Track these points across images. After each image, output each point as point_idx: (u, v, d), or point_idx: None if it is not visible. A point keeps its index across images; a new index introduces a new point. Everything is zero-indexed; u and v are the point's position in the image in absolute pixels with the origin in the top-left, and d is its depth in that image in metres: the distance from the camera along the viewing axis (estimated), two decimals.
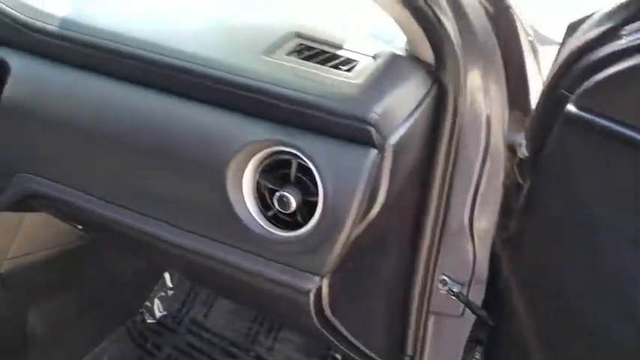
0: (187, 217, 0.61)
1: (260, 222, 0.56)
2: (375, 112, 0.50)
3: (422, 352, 0.84)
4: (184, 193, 0.60)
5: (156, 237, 0.66)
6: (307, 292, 0.55)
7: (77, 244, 1.12)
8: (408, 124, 0.54)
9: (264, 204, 0.57)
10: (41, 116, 0.71)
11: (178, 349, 1.30)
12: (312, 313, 0.58)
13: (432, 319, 0.82)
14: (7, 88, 0.72)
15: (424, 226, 0.70)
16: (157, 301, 1.37)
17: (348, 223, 0.50)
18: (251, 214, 0.56)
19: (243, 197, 0.56)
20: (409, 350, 0.83)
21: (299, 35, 0.63)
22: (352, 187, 0.50)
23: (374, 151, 0.50)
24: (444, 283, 0.77)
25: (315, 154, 0.51)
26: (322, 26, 0.67)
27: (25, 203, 0.85)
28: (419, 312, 0.79)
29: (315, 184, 0.53)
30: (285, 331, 1.24)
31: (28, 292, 1.11)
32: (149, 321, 1.35)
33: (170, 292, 1.38)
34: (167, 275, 1.38)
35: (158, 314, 1.36)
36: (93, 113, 0.64)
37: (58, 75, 0.68)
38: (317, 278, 0.54)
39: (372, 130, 0.50)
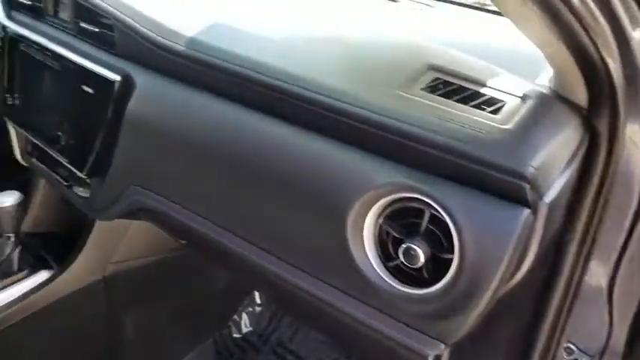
0: (299, 254, 0.57)
1: (380, 272, 0.51)
2: (532, 165, 0.44)
3: None
4: (299, 229, 0.56)
5: (261, 268, 0.63)
6: (425, 358, 0.49)
7: (176, 254, 1.13)
8: (562, 180, 0.47)
9: (385, 253, 0.52)
10: (160, 133, 0.71)
11: None
12: None
13: None
14: (132, 103, 0.73)
15: (554, 288, 0.61)
16: (244, 316, 1.37)
17: (488, 292, 0.44)
18: (370, 262, 0.51)
19: (363, 243, 0.51)
20: None
21: (434, 68, 0.57)
22: (498, 251, 0.43)
23: (527, 211, 0.43)
24: (570, 352, 0.68)
25: (454, 207, 0.45)
26: (452, 54, 0.62)
27: (134, 214, 0.87)
28: None
29: (449, 239, 0.47)
30: None
31: (127, 296, 1.14)
32: (235, 335, 1.34)
33: (258, 309, 1.37)
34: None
35: (245, 329, 1.35)
36: (213, 136, 0.62)
37: (181, 94, 0.67)
38: (442, 346, 0.48)
39: (527, 186, 0.43)
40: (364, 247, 0.51)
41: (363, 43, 0.65)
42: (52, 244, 1.11)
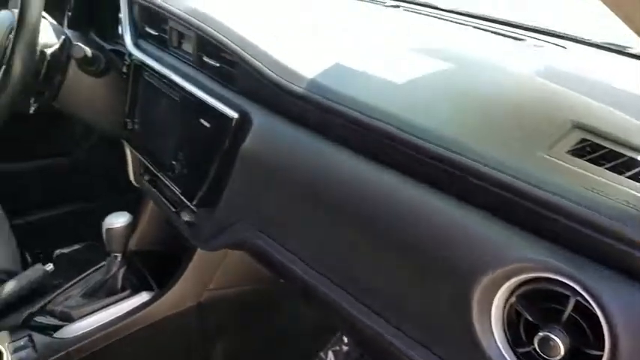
0: (414, 323, 0.53)
1: (507, 358, 0.45)
2: None
3: None
4: (417, 297, 0.52)
5: (368, 328, 0.59)
6: None
7: (270, 287, 1.13)
8: None
9: (514, 336, 0.46)
10: (273, 173, 0.70)
11: None
12: None
13: None
14: (247, 141, 0.73)
15: None
16: (330, 354, 1.33)
17: None
18: (498, 346, 0.46)
19: (490, 323, 0.46)
20: None
21: (579, 126, 0.51)
22: None
23: None
24: None
25: (607, 297, 0.39)
26: (598, 108, 0.55)
27: (237, 246, 0.87)
28: None
29: (597, 333, 0.40)
30: None
31: (219, 324, 1.15)
32: None
33: (345, 348, 1.33)
34: None
35: None
36: (331, 185, 0.60)
37: (297, 136, 0.66)
38: None
39: None
40: (491, 328, 0.46)
41: (496, 92, 0.60)
42: (154, 264, 1.15)
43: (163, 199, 1.02)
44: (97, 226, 1.09)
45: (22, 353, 1.00)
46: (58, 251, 1.28)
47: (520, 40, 0.83)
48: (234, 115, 0.74)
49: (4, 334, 1.03)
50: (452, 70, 0.67)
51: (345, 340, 1.33)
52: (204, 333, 1.13)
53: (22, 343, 1.02)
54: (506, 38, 0.84)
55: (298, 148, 0.66)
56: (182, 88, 0.87)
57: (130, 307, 1.06)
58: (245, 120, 0.73)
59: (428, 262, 0.51)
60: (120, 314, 1.05)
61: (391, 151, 0.54)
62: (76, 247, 1.30)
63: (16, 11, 0.95)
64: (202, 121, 0.80)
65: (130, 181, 1.20)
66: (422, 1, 1.08)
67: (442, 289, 0.49)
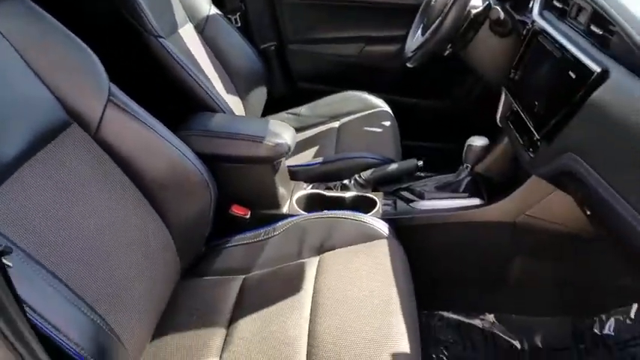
0: None
1: None
2: None
3: None
4: None
5: None
6: None
7: (577, 233, 1.32)
8: None
9: None
10: (615, 121, 0.90)
11: None
12: None
13: None
14: (600, 90, 0.96)
15: None
16: (612, 320, 1.44)
17: None
18: None
19: None
20: None
21: None
22: None
23: None
24: None
25: None
26: None
27: (559, 178, 1.11)
28: None
29: None
30: None
31: (525, 247, 1.40)
32: (595, 330, 1.44)
33: (628, 321, 1.42)
34: (634, 306, 1.41)
35: (606, 331, 1.43)
36: None
37: None
38: None
39: None
40: None
41: None
42: (491, 183, 1.49)
43: (516, 134, 1.33)
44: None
45: (387, 208, 1.49)
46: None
47: None
48: (596, 69, 0.97)
49: (380, 194, 1.55)
50: None
51: (632, 316, 1.41)
52: (510, 247, 1.41)
53: (389, 202, 1.51)
54: None
55: None
56: (564, 48, 1.13)
57: (465, 205, 1.43)
58: (604, 74, 0.96)
59: None
60: (455, 206, 1.43)
61: None
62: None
63: None
64: (570, 72, 1.06)
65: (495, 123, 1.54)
66: None
67: None
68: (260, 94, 2.03)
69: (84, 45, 1.07)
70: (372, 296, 1.06)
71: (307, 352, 0.97)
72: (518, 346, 1.45)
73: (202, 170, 1.20)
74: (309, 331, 1.01)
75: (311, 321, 1.04)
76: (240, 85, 1.88)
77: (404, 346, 0.96)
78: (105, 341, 0.78)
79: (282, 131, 1.31)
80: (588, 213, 1.10)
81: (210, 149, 1.28)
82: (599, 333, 1.44)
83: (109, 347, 0.79)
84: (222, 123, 1.35)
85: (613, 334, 1.43)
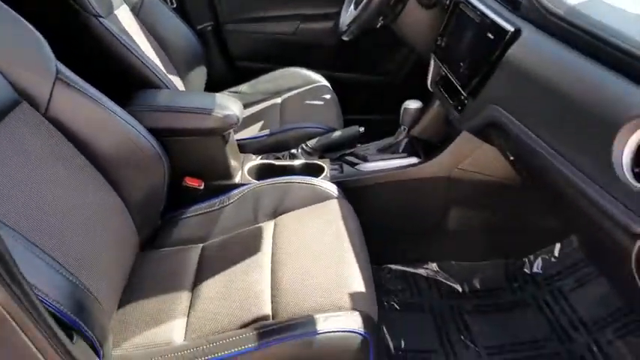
0: (576, 153, 0.84)
1: (626, 172, 0.74)
2: None
3: None
4: (579, 128, 0.83)
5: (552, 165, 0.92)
6: (636, 237, 0.71)
7: (503, 182, 1.47)
8: None
9: (635, 163, 0.74)
10: (528, 74, 1.03)
11: (536, 300, 1.52)
12: (633, 259, 0.73)
13: None
14: (513, 48, 1.09)
15: None
16: (539, 260, 1.61)
17: None
18: (623, 167, 0.75)
19: (622, 153, 0.75)
20: None
21: None
22: None
23: None
24: None
25: None
26: None
27: (486, 131, 1.24)
28: None
29: None
30: (634, 336, 1.28)
31: (459, 196, 1.54)
32: (525, 270, 1.61)
33: (553, 260, 1.59)
34: (557, 245, 1.59)
35: (534, 270, 1.60)
36: (570, 84, 0.90)
37: (554, 49, 0.99)
38: None
39: None
40: (622, 156, 0.75)
41: None
42: (426, 142, 1.61)
43: (446, 95, 1.45)
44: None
45: (334, 172, 1.58)
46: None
47: None
48: (510, 28, 1.10)
49: (327, 160, 1.63)
50: None
51: (556, 254, 1.59)
52: (446, 200, 1.55)
53: (335, 167, 1.61)
54: None
55: (553, 58, 0.98)
56: (483, 13, 1.26)
57: (404, 164, 1.55)
58: (517, 33, 1.09)
59: (592, 114, 0.81)
60: (396, 166, 1.55)
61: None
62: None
63: None
64: (489, 34, 1.19)
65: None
66: None
67: (597, 134, 0.79)
68: (200, 75, 2.06)
69: (29, 25, 1.08)
70: (327, 250, 1.15)
71: (271, 301, 1.04)
72: (460, 289, 1.60)
73: (154, 144, 1.24)
74: (272, 283, 1.09)
75: (272, 276, 1.11)
76: (179, 66, 1.90)
77: (360, 290, 1.05)
78: (82, 298, 0.83)
79: (229, 103, 1.37)
80: (511, 158, 1.23)
81: (160, 124, 1.31)
82: (528, 272, 1.61)
83: (87, 304, 0.83)
84: (170, 98, 1.38)
85: (541, 272, 1.60)
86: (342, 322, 0.95)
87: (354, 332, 0.93)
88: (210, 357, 0.94)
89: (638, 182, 0.73)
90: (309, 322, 0.94)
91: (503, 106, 1.12)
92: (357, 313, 0.97)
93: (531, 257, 1.64)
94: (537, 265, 1.62)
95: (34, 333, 0.59)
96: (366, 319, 0.97)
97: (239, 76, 2.25)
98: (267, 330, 0.95)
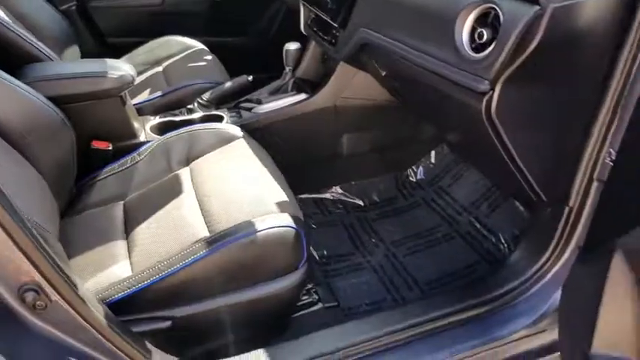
0: (423, 39, 1.06)
1: (466, 47, 0.97)
2: None
3: (581, 209, 1.08)
4: (429, 26, 1.05)
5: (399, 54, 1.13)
6: (481, 95, 0.94)
7: (381, 103, 1.70)
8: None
9: (472, 39, 0.97)
10: None
11: (425, 200, 1.79)
12: (483, 113, 0.96)
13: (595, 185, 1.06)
14: None
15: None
16: (421, 168, 1.88)
17: (507, 49, 0.86)
18: (463, 42, 0.97)
19: (462, 33, 0.98)
20: (571, 202, 1.09)
21: None
22: (516, 27, 0.86)
23: (536, 7, 0.85)
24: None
25: (504, 9, 0.89)
26: None
27: (359, 57, 1.44)
28: (587, 168, 1.03)
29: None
30: (505, 206, 1.58)
31: (347, 122, 1.75)
32: (411, 178, 1.87)
33: (431, 165, 1.87)
34: (433, 153, 1.87)
35: (419, 177, 1.87)
36: None
37: None
38: (486, 82, 0.92)
39: None
40: (462, 35, 0.98)
41: None
42: (309, 80, 1.79)
43: (320, 34, 1.63)
44: None
45: (235, 119, 1.70)
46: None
47: None
48: None
49: (225, 110, 1.74)
50: None
51: (433, 160, 1.86)
52: (336, 126, 1.75)
53: (233, 114, 1.73)
54: None
55: None
56: None
57: (294, 101, 1.71)
58: None
59: (436, 10, 1.03)
60: (288, 104, 1.71)
61: None
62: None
63: None
64: None
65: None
66: None
67: (441, 20, 1.01)
68: (74, 55, 2.04)
69: None
70: (247, 178, 1.28)
71: (206, 224, 1.15)
72: (362, 203, 1.82)
73: (57, 111, 1.27)
74: (202, 212, 1.19)
75: (201, 207, 1.21)
76: (52, 49, 1.87)
77: (284, 199, 1.20)
78: None
79: (121, 65, 1.42)
80: (384, 74, 1.45)
81: (58, 92, 1.34)
82: (414, 180, 1.88)
83: None
84: (61, 67, 1.41)
85: (424, 177, 1.87)
86: (276, 220, 1.09)
87: (288, 227, 1.09)
88: (157, 276, 1.04)
89: (476, 54, 0.96)
90: (247, 225, 1.08)
91: (369, 26, 1.32)
92: (286, 213, 1.13)
93: (414, 167, 1.90)
94: (420, 172, 1.88)
95: None
96: (295, 218, 1.13)
97: (113, 52, 2.25)
98: (209, 240, 1.07)
